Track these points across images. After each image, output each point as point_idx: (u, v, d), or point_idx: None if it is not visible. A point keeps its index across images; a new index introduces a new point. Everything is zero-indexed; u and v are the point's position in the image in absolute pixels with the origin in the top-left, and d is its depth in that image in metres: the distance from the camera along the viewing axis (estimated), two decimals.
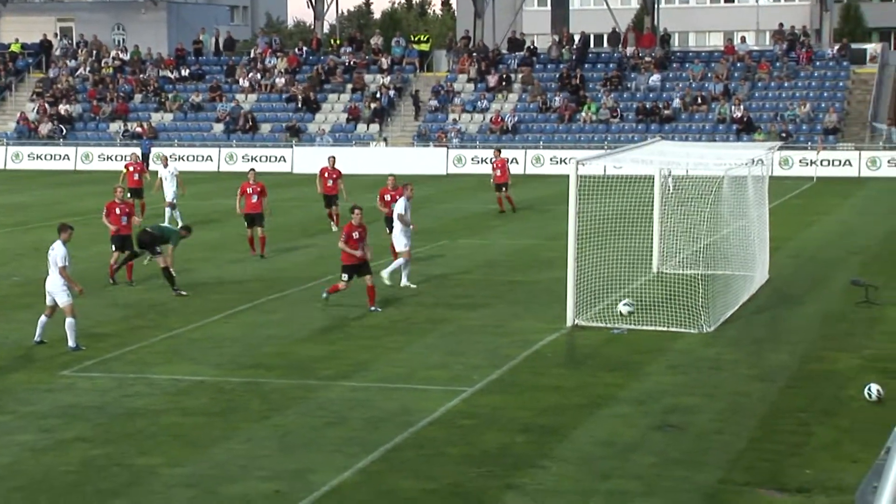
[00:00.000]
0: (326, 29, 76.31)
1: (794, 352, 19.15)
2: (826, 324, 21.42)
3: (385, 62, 64.28)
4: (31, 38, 70.63)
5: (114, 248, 25.50)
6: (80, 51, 68.78)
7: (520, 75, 62.37)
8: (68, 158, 59.36)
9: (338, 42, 68.31)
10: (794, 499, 12.60)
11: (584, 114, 59.01)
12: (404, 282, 25.00)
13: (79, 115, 63.85)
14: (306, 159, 55.78)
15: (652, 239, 25.63)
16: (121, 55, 68.35)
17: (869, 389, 16.11)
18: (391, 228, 27.33)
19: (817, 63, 60.86)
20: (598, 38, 76.09)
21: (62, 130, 62.31)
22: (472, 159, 55.86)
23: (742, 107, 57.22)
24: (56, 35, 73.82)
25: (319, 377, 17.61)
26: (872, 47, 63.43)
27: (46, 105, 63.81)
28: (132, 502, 12.62)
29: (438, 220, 37.60)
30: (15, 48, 69.38)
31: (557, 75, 61.89)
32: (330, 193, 34.37)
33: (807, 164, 52.57)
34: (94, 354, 19.08)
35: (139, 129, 61.24)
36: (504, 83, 62.01)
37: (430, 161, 55.64)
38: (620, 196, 24.14)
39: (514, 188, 41.53)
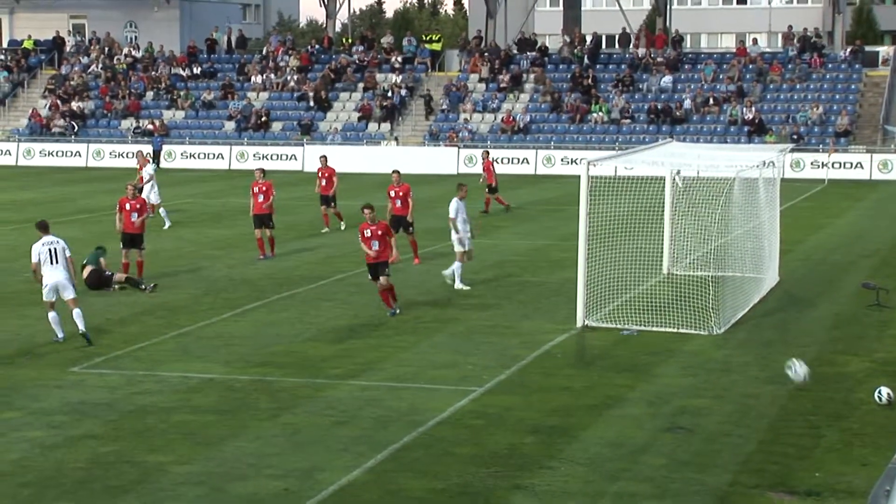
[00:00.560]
0: (338, 28, 76.32)
1: (805, 354, 19.08)
2: (836, 327, 21.36)
3: (397, 61, 64.29)
4: (44, 34, 70.78)
5: (122, 247, 25.48)
6: (92, 48, 68.90)
7: (531, 75, 62.33)
8: (80, 155, 59.46)
9: (349, 41, 68.34)
10: (804, 502, 12.57)
11: (595, 114, 58.94)
12: (458, 284, 24.65)
13: (91, 112, 63.93)
14: (317, 158, 55.69)
15: (662, 240, 25.60)
16: (133, 52, 68.45)
17: (879, 393, 16.06)
18: (397, 227, 27.33)
19: (829, 65, 60.73)
20: (610, 38, 76.00)
21: (74, 127, 62.42)
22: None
23: (754, 109, 57.12)
24: (69, 32, 73.98)
25: (328, 376, 17.61)
26: (885, 50, 63.27)
27: (58, 102, 63.93)
28: (141, 499, 12.62)
29: (448, 219, 37.53)
30: (28, 45, 69.53)
31: (569, 76, 61.84)
32: (324, 193, 33.79)
33: (818, 166, 52.46)
34: (104, 351, 19.09)
35: (151, 127, 61.32)
36: (515, 83, 61.99)
37: (441, 161, 55.62)
38: (631, 197, 24.11)
39: (525, 188, 41.50)
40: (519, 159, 55.86)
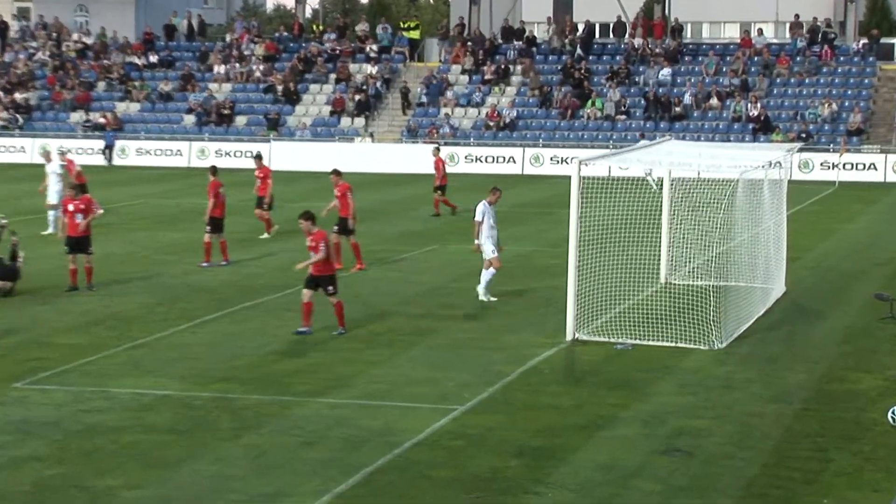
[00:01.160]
0: (309, 13, 76.34)
1: (813, 371, 19.19)
2: (847, 341, 21.46)
3: (372, 51, 64.35)
4: None
5: (68, 252, 25.32)
6: (38, 34, 68.70)
7: (518, 67, 62.45)
8: (24, 150, 59.23)
9: (321, 28, 68.34)
10: None
11: (587, 109, 59.10)
12: (481, 293, 24.31)
13: (37, 103, 63.75)
14: (285, 155, 55.77)
15: (660, 247, 25.69)
16: (83, 39, 68.26)
17: (893, 413, 16.13)
18: (342, 230, 27.47)
19: (841, 58, 61.01)
20: (604, 27, 76.14)
21: (18, 120, 62.21)
22: (466, 157, 55.89)
23: (759, 104, 57.36)
24: (13, 16, 73.80)
25: (295, 393, 17.60)
26: None
27: (1, 92, 63.72)
28: None
29: (428, 222, 37.63)
30: None
31: (559, 67, 61.98)
32: (259, 195, 33.56)
33: (828, 167, 52.68)
34: (49, 365, 19.05)
35: (102, 120, 61.16)
36: (501, 75, 62.09)
37: (420, 159, 55.61)
38: (626, 200, 24.19)
39: (512, 189, 41.50)
40: (505, 158, 55.98)
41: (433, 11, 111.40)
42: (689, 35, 75.45)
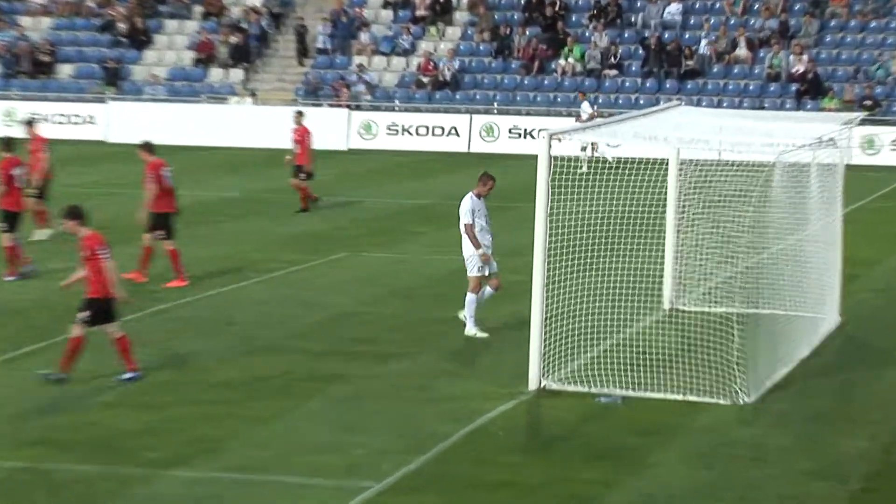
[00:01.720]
0: None
1: (876, 436, 19.34)
2: None
3: None
4: None
5: None
6: None
7: (463, 1, 62.63)
8: None
9: None
10: None
11: (562, 61, 59.35)
12: (469, 326, 24.33)
13: None
14: (127, 121, 55.54)
15: (663, 258, 25.79)
16: None
17: None
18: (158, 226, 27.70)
19: None
20: None
21: None
22: (389, 127, 55.98)
23: (805, 57, 57.80)
24: None
25: (140, 462, 17.54)
26: None
27: None
28: None
29: (334, 221, 37.57)
30: None
31: (522, 1, 62.21)
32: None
33: None
34: None
35: None
36: (439, 12, 62.22)
37: (324, 128, 55.54)
38: (617, 190, 24.27)
39: (452, 174, 41.60)
40: (444, 129, 56.04)
41: None
42: None
